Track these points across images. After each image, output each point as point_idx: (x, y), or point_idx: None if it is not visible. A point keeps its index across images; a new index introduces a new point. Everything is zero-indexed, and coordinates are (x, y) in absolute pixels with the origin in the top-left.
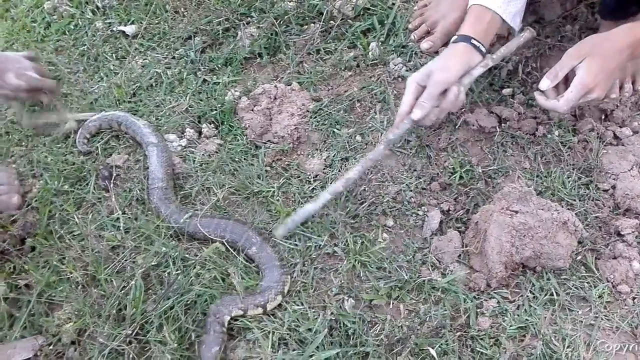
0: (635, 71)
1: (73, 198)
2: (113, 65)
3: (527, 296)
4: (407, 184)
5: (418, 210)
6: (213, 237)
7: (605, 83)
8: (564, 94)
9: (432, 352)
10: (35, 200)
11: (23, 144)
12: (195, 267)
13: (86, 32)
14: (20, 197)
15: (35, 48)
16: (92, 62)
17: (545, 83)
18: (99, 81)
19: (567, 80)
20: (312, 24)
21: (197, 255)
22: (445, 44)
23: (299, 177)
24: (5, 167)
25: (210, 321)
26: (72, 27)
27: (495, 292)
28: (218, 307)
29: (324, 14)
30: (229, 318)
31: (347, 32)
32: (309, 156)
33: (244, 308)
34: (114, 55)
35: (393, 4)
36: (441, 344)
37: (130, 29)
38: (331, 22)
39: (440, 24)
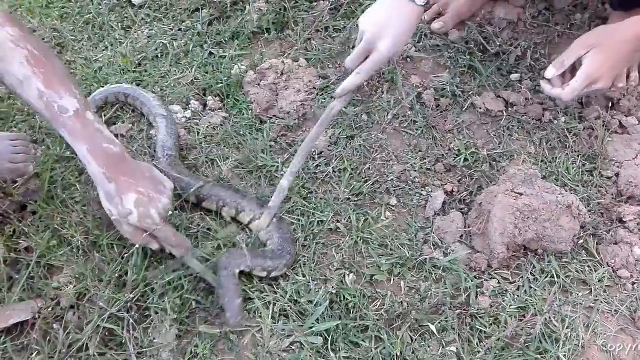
0: None
1: (76, 165)
2: (118, 34)
3: (528, 278)
4: (411, 164)
5: (422, 190)
6: (221, 205)
7: (611, 74)
8: (569, 82)
9: (432, 327)
10: (38, 166)
11: (25, 109)
12: (198, 239)
13: (92, 0)
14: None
15: (40, 14)
16: (97, 30)
17: (551, 72)
18: (103, 50)
19: (574, 70)
20: (322, 1)
21: (199, 225)
22: (457, 26)
23: None
24: (24, 135)
25: (224, 275)
26: None
27: (496, 273)
28: (228, 260)
29: None
30: (237, 271)
31: (356, 10)
32: None
33: (251, 267)
34: (119, 24)
35: None
36: (441, 321)
37: None
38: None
39: (452, 6)
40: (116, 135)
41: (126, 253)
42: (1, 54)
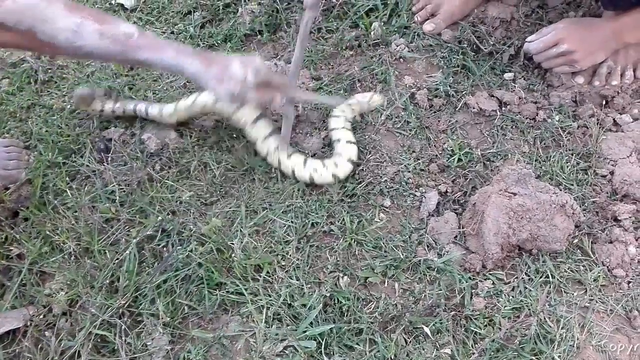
0: (636, 59)
1: (67, 170)
2: None
3: (523, 278)
4: (405, 165)
5: (416, 191)
6: None
7: (584, 54)
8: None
9: (426, 329)
10: (30, 172)
11: (17, 115)
12: (191, 243)
13: (84, 3)
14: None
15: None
16: None
17: (531, 37)
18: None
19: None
20: None
21: (192, 229)
22: (449, 26)
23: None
24: (16, 140)
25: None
26: None
27: (490, 273)
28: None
29: None
30: None
31: (349, 11)
32: (308, 135)
33: None
34: None
35: None
36: (435, 323)
37: (129, 2)
38: (333, 0)
39: (445, 7)
40: (109, 140)
41: (118, 258)
42: (42, 16)
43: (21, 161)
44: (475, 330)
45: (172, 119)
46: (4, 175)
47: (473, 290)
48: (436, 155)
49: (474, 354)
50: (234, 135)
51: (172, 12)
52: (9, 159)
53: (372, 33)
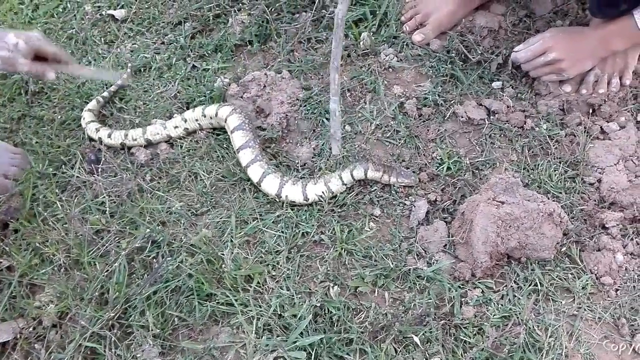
0: (622, 67)
1: (58, 181)
2: (101, 49)
3: (512, 286)
4: None
5: (405, 200)
6: None
7: (572, 62)
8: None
9: (416, 339)
10: (20, 183)
11: (8, 126)
12: (181, 254)
13: (75, 15)
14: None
15: (23, 30)
16: (80, 45)
17: (518, 47)
18: (86, 65)
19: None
20: (304, 13)
21: (182, 240)
22: (438, 36)
23: (288, 164)
24: (21, 150)
25: None
26: (61, 10)
27: (479, 282)
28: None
29: (316, 2)
30: None
31: None
32: (298, 144)
33: None
34: (102, 39)
35: None
36: (425, 332)
37: (119, 13)
38: (323, 11)
39: (433, 17)
40: (99, 151)
41: (107, 270)
42: None
43: (24, 168)
44: (465, 339)
45: None
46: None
47: (462, 299)
48: (425, 164)
49: None
50: (224, 146)
51: (163, 22)
52: (12, 165)
53: (361, 43)
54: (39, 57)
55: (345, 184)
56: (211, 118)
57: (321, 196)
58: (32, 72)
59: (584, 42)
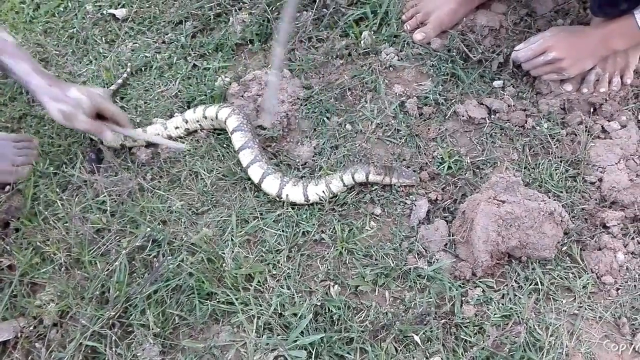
0: (623, 66)
1: (58, 181)
2: (102, 48)
3: (512, 285)
4: None
5: (406, 199)
6: None
7: (572, 61)
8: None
9: (416, 338)
10: (21, 182)
11: (9, 125)
12: (182, 253)
13: (76, 14)
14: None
15: (24, 30)
16: (81, 44)
17: (519, 46)
18: (87, 64)
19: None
20: (305, 12)
21: (183, 239)
22: (439, 35)
23: (288, 163)
24: (28, 136)
25: None
26: (62, 9)
27: (480, 281)
28: None
29: (317, 1)
30: None
31: (339, 20)
32: (299, 143)
33: None
34: (103, 38)
35: None
36: (425, 331)
37: (120, 12)
38: (324, 10)
39: (434, 15)
40: (100, 150)
41: (108, 269)
42: None
43: (30, 156)
44: (465, 338)
45: None
46: (10, 171)
47: (463, 298)
48: (426, 163)
49: None
50: (225, 145)
51: (164, 21)
52: (18, 155)
53: (362, 42)
54: (98, 115)
55: (346, 186)
56: (212, 120)
57: (322, 197)
58: (90, 131)
59: (585, 41)
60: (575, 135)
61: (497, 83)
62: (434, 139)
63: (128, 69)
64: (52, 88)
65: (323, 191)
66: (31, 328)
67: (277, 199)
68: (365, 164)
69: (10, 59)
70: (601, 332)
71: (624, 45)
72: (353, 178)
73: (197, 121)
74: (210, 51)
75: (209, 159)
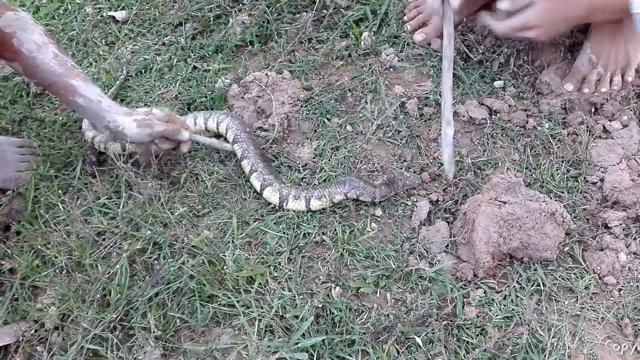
0: (625, 64)
1: (59, 184)
2: (102, 50)
3: (514, 286)
4: None
5: (407, 200)
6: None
7: (548, 28)
8: (507, 20)
9: (418, 340)
10: (21, 185)
11: (10, 128)
12: (182, 255)
13: (75, 17)
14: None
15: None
16: (81, 47)
17: (505, 4)
18: (87, 66)
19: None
20: (305, 13)
21: (183, 242)
22: (439, 36)
23: (289, 165)
24: (29, 141)
25: None
26: (62, 12)
27: (482, 282)
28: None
29: (317, 2)
30: None
31: (339, 21)
32: (299, 145)
33: None
34: (103, 40)
35: None
36: (427, 333)
37: (120, 15)
38: (324, 11)
39: (435, 16)
40: (101, 153)
41: (109, 272)
42: (25, 27)
43: (32, 161)
44: (467, 339)
45: None
46: (14, 178)
47: (465, 300)
48: (427, 164)
49: None
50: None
51: (164, 23)
52: (21, 161)
53: (362, 43)
54: None
55: (349, 199)
56: (215, 131)
57: (324, 207)
58: (168, 131)
59: (566, 20)
60: (577, 135)
61: (497, 83)
62: (434, 140)
63: (124, 72)
64: (122, 107)
65: (325, 202)
66: (32, 331)
67: (280, 209)
68: (369, 185)
69: (84, 85)
70: (604, 333)
71: (603, 19)
72: (358, 198)
73: (199, 132)
74: (210, 53)
75: (209, 161)
